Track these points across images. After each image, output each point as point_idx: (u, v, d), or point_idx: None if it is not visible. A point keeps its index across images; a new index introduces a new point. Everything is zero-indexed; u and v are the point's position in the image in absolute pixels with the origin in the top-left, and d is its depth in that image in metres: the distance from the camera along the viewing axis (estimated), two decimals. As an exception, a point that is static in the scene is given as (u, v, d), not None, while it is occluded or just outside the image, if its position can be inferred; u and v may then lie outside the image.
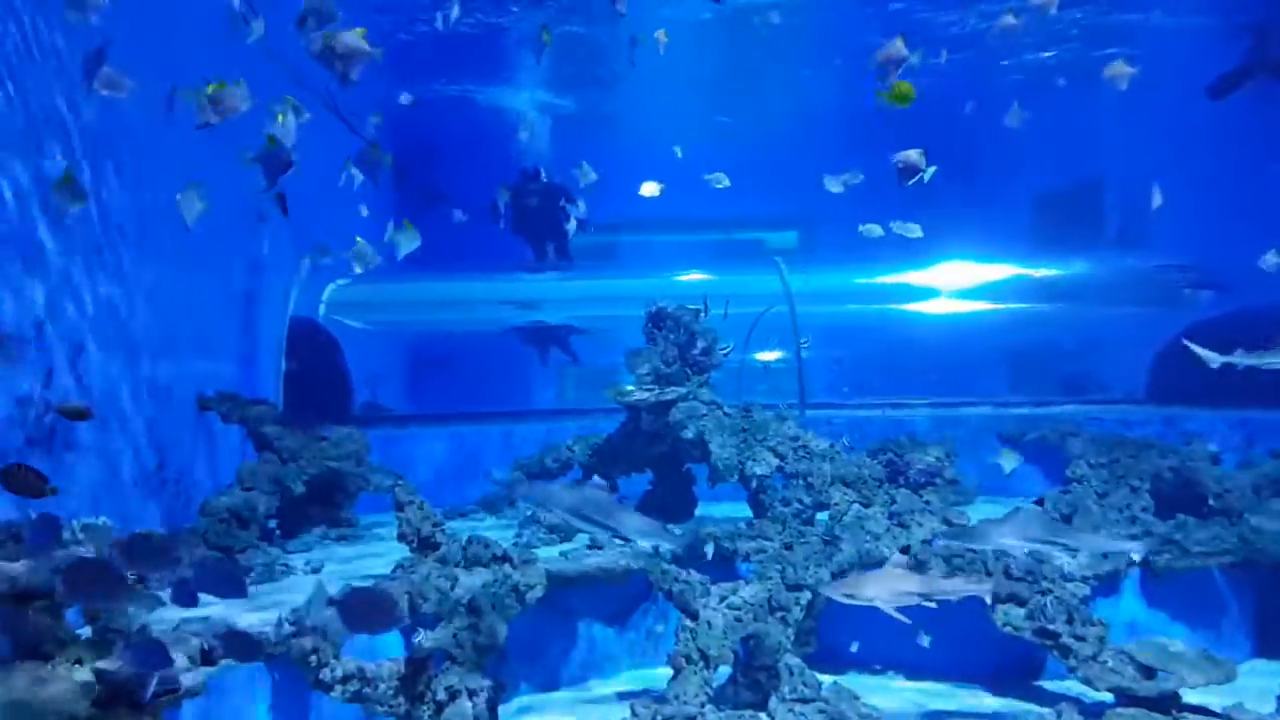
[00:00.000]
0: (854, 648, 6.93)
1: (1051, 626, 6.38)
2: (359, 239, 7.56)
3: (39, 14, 5.86)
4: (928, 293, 12.04)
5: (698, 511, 8.62)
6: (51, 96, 6.16)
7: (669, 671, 5.87)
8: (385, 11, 12.91)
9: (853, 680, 6.56)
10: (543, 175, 13.19)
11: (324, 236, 12.70)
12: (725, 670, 6.02)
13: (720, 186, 10.18)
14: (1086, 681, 6.12)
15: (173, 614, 5.29)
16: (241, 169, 5.78)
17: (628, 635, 7.03)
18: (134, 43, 6.79)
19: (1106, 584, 7.18)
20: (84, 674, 3.86)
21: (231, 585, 4.20)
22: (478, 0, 13.20)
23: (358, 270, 7.53)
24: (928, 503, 7.21)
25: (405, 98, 8.71)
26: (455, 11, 8.61)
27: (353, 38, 5.38)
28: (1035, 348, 12.44)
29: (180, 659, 4.48)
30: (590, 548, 7.20)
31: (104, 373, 6.42)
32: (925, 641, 5.94)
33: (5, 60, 5.53)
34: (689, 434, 8.06)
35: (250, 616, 5.40)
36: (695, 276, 12.43)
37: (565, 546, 7.50)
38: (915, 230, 8.70)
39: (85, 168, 6.33)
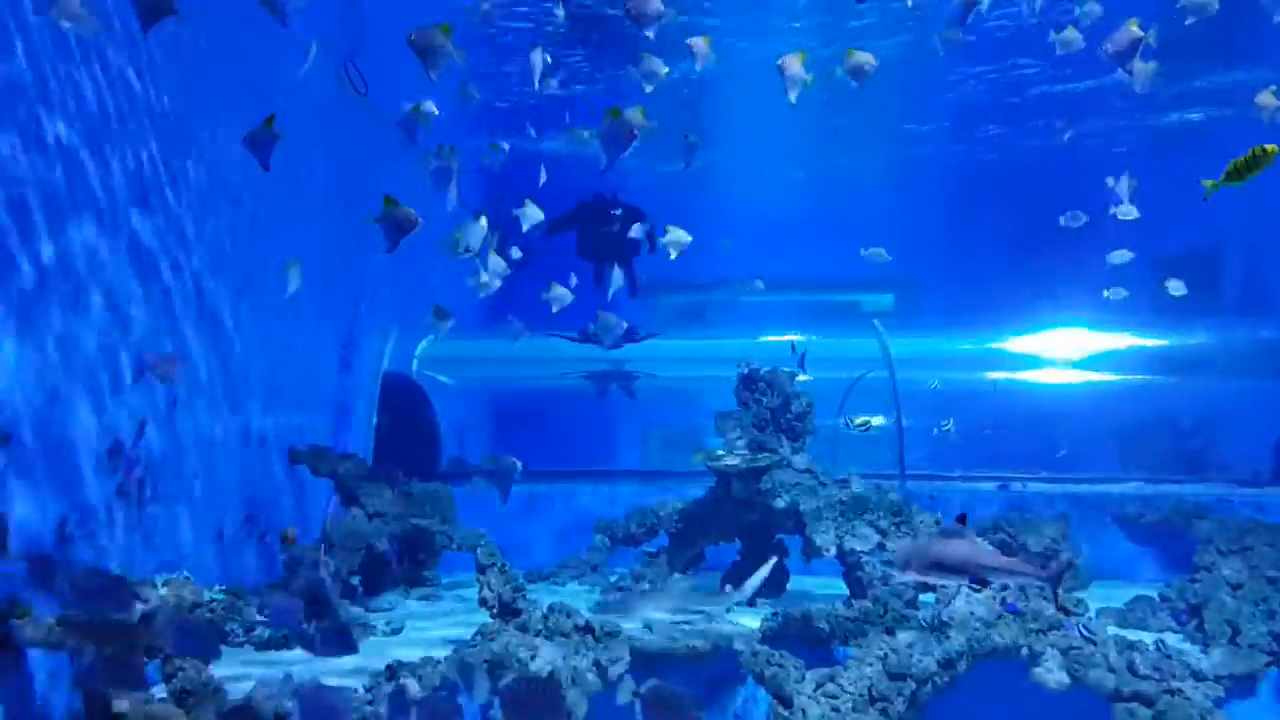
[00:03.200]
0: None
1: (1183, 732, 5.79)
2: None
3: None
4: (1035, 361, 11.50)
5: (790, 586, 8.23)
6: (181, 158, 6.36)
7: (759, 760, 5.51)
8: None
9: (959, 779, 6.05)
10: (619, 200, 12.71)
11: (424, 293, 12.87)
12: (820, 763, 5.61)
13: (880, 259, 10.05)
14: (1223, 796, 5.52)
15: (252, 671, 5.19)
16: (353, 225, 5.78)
17: (715, 717, 6.64)
18: (246, 103, 6.98)
19: (1242, 685, 6.52)
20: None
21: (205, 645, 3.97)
22: (572, 69, 13.34)
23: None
24: (1043, 587, 6.68)
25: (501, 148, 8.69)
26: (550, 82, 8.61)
27: (435, 32, 5.19)
28: (1149, 421, 11.72)
29: (254, 725, 4.34)
30: (675, 623, 6.88)
31: (197, 425, 6.45)
32: None
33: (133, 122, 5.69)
34: (781, 503, 7.72)
35: (330, 680, 5.24)
36: (786, 338, 12.14)
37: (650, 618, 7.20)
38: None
39: (190, 221, 6.45)
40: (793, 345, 8.81)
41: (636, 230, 11.02)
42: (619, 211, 12.57)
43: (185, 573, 5.37)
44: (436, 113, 6.04)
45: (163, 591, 4.70)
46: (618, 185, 12.86)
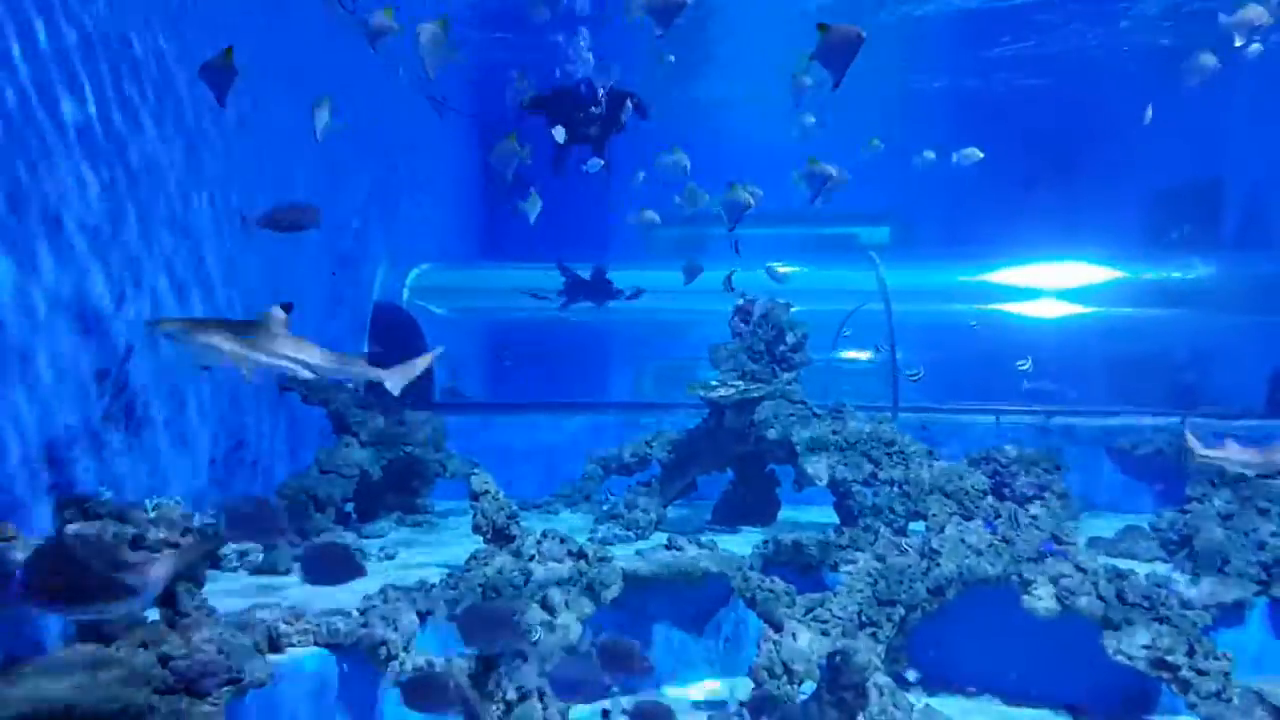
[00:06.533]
0: (950, 668, 6.50)
1: (1170, 658, 5.85)
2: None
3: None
4: (1030, 294, 11.42)
5: (781, 515, 8.27)
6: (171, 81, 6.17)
7: (749, 682, 5.56)
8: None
9: (946, 704, 6.13)
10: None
11: (414, 225, 12.68)
12: (810, 686, 5.67)
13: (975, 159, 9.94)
14: (1207, 720, 5.59)
15: (243, 598, 5.21)
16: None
17: (706, 641, 6.72)
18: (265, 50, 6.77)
19: (1230, 614, 6.59)
20: (147, 658, 3.72)
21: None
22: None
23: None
24: (1035, 518, 6.72)
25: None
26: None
27: (434, 30, 5.09)
28: (1144, 355, 11.70)
29: (247, 645, 4.34)
30: (668, 548, 6.91)
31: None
32: None
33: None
34: (774, 434, 7.71)
35: (322, 604, 5.26)
36: (783, 269, 12.01)
37: (641, 545, 7.23)
38: None
39: (178, 145, 6.29)
40: (736, 241, 8.75)
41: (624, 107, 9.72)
42: (603, 93, 10.15)
43: (176, 498, 5.33)
44: (399, 27, 5.90)
45: (153, 515, 4.65)
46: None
